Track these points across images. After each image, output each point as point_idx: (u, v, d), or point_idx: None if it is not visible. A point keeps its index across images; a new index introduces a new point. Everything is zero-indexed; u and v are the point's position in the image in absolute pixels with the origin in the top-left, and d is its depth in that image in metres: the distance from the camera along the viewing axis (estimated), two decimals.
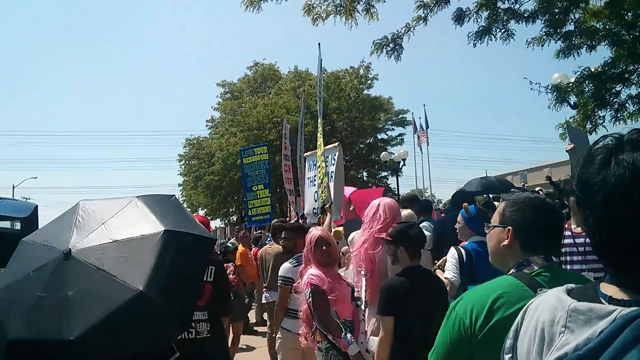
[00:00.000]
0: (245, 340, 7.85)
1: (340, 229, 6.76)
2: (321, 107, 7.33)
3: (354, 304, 4.00)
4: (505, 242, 1.85)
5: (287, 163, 12.56)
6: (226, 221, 38.05)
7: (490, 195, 8.37)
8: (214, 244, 3.39)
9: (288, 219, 10.20)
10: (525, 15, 9.58)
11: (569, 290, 0.99)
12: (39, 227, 4.98)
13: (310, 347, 4.00)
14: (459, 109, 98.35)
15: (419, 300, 3.19)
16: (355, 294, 4.02)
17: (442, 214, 8.01)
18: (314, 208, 7.85)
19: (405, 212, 4.99)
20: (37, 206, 5.06)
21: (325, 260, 3.99)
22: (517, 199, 1.91)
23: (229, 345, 5.07)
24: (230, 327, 5.89)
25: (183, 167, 37.24)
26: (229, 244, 9.71)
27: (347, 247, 4.82)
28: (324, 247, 4.02)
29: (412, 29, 9.39)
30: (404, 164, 24.99)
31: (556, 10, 9.52)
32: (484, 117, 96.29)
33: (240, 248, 9.43)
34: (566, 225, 4.10)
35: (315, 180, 8.03)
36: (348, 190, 10.72)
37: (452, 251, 3.86)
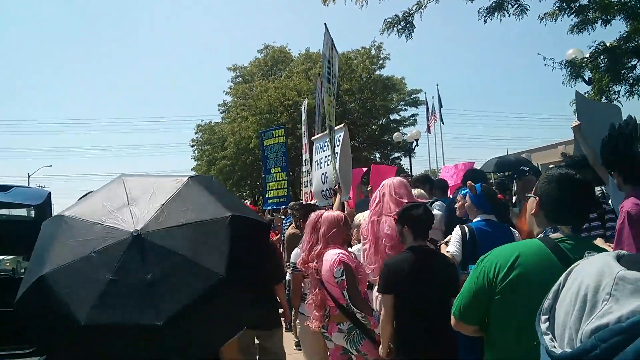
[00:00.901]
0: None
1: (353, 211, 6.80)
2: (333, 88, 7.26)
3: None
4: (533, 211, 2.09)
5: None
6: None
7: (506, 173, 8.34)
8: (269, 228, 3.40)
9: (302, 202, 10.24)
10: None
11: (619, 256, 0.92)
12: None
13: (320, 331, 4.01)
14: (473, 88, 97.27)
15: (421, 279, 3.20)
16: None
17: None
18: (322, 190, 7.85)
19: (415, 192, 5.00)
20: (50, 193, 4.97)
21: (348, 239, 4.05)
22: (549, 174, 2.11)
23: None
24: None
25: (196, 152, 37.40)
26: None
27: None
28: (347, 227, 4.11)
29: (423, 7, 9.27)
30: (417, 145, 24.94)
31: None
32: (498, 96, 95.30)
33: None
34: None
35: (322, 162, 8.02)
36: (358, 172, 10.71)
37: (457, 229, 3.93)
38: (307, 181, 10.02)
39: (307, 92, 27.84)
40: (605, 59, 9.77)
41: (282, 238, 8.17)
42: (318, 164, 8.36)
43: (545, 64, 10.16)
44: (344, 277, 3.74)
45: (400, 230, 3.48)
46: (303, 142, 11.16)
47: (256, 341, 4.94)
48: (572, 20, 9.81)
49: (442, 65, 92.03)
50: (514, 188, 7.11)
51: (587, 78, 10.20)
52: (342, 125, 7.50)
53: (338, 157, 7.05)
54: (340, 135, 7.30)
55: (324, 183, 7.82)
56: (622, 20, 9.65)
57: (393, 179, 4.23)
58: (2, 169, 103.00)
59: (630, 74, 10.06)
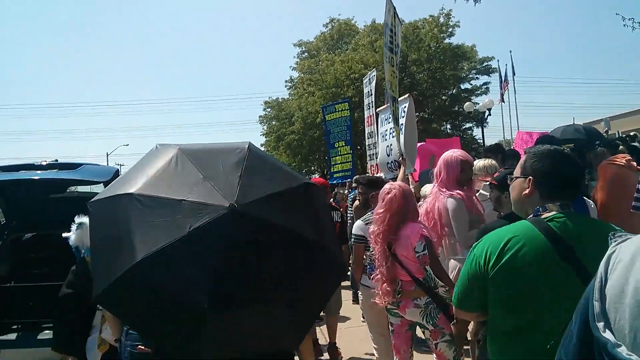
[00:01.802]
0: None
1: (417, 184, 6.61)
2: (396, 58, 6.99)
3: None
4: (527, 191, 2.00)
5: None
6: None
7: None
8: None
9: (369, 174, 10.08)
10: None
11: None
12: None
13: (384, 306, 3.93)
14: (547, 54, 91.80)
15: None
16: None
17: None
18: (388, 162, 7.69)
19: (484, 162, 4.73)
20: (118, 169, 5.08)
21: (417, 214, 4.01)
22: (537, 152, 2.04)
23: None
24: None
25: (265, 128, 38.01)
26: None
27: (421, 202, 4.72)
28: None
29: None
30: (490, 114, 23.91)
31: None
32: (573, 62, 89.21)
33: None
34: None
35: (386, 135, 7.84)
36: (429, 144, 10.37)
37: None
38: (372, 154, 9.85)
39: (373, 64, 27.34)
40: None
41: (347, 212, 8.11)
42: (383, 137, 8.18)
43: (624, 25, 9.43)
44: (425, 251, 3.69)
45: (498, 197, 3.44)
46: (367, 115, 10.93)
47: None
48: None
49: (515, 31, 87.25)
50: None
51: None
52: (406, 95, 7.26)
53: (403, 129, 6.85)
54: (405, 107, 7.07)
55: (388, 155, 7.65)
56: None
57: (453, 154, 4.26)
58: (84, 149, 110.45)
59: None
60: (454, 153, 4.32)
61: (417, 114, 22.52)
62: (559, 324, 1.20)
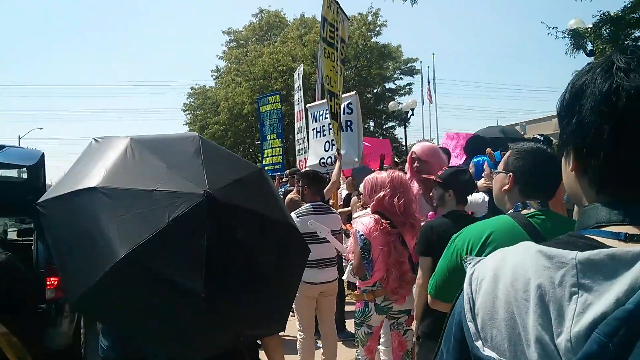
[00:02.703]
0: None
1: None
2: (337, 53, 7.04)
3: None
4: (506, 187, 2.06)
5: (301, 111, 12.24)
6: None
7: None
8: None
9: (297, 169, 10.11)
10: None
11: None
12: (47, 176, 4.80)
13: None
14: (470, 58, 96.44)
15: None
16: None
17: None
18: (323, 158, 7.74)
19: None
20: (43, 154, 4.70)
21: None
22: (521, 149, 2.10)
23: None
24: None
25: (188, 117, 37.00)
26: None
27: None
28: None
29: None
30: (412, 114, 24.68)
31: None
32: (496, 66, 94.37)
33: None
34: None
35: (322, 130, 7.89)
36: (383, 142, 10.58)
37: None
38: (301, 149, 9.88)
39: (301, 58, 27.41)
40: (609, 29, 9.62)
41: None
42: (318, 132, 8.19)
43: (548, 33, 10.09)
44: None
45: (442, 194, 3.35)
46: (296, 110, 10.92)
47: None
48: None
49: (439, 34, 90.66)
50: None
51: (588, 50, 10.09)
52: (353, 92, 7.41)
53: (353, 126, 7.03)
54: (349, 103, 7.23)
55: (327, 151, 7.68)
56: None
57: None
58: None
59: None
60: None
61: None
62: None
